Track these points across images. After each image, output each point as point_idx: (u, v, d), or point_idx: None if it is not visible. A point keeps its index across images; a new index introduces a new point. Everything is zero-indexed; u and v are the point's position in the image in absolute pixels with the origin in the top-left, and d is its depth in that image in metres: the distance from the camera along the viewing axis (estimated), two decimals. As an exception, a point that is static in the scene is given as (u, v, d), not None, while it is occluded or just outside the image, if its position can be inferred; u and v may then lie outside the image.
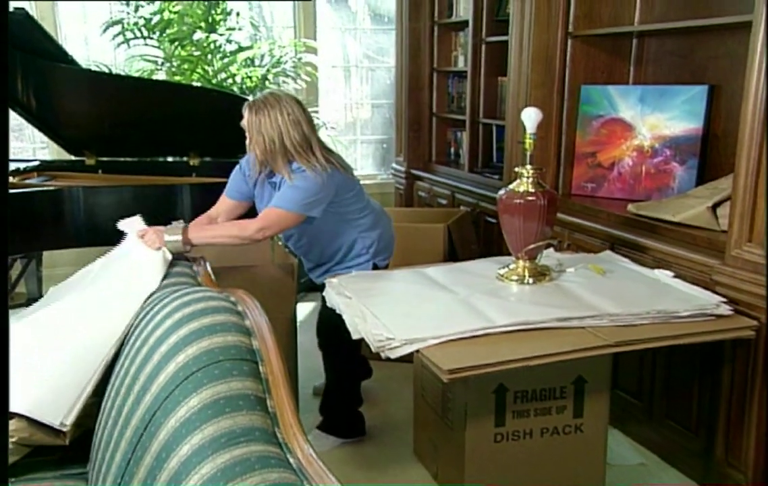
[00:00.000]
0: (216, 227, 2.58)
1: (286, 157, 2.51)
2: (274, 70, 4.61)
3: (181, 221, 2.46)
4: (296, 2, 5.28)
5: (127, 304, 1.75)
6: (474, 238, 3.98)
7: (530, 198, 2.31)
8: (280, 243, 3.59)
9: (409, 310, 2.13)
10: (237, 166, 2.79)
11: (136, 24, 4.35)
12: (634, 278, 2.41)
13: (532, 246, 2.34)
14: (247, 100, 2.64)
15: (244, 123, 2.57)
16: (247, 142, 2.58)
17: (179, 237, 2.35)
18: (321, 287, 2.65)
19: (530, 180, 2.33)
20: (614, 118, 3.20)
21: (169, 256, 2.12)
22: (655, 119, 3.07)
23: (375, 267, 2.74)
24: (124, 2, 4.39)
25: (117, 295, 1.82)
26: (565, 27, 3.25)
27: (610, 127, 3.22)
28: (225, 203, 2.75)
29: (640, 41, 3.27)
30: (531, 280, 2.37)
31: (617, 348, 1.94)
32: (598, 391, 2.30)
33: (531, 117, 2.31)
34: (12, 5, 3.85)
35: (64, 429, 1.59)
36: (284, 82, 4.74)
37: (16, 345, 1.68)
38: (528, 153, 2.33)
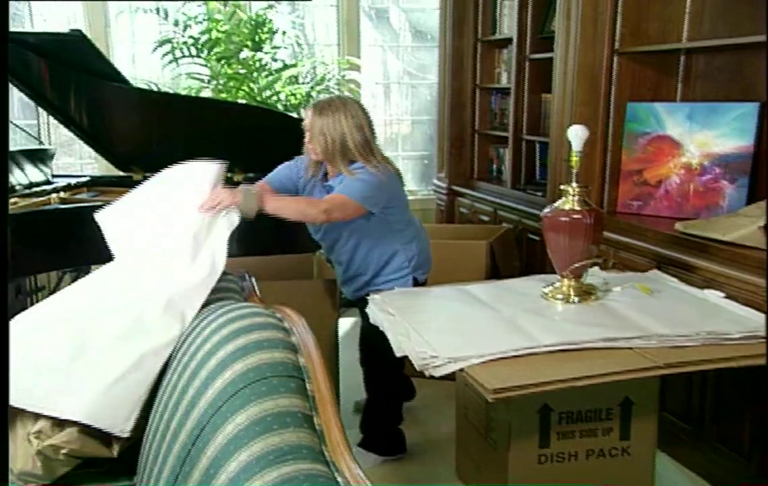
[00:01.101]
0: (285, 198, 2.61)
1: (346, 157, 2.58)
2: (318, 88, 4.65)
3: (253, 186, 2.51)
4: (340, 20, 5.33)
5: (180, 314, 1.76)
6: (516, 255, 3.95)
7: (576, 216, 2.28)
8: (322, 256, 3.61)
9: (453, 328, 2.11)
10: (292, 160, 2.80)
11: (185, 43, 4.44)
12: (683, 298, 2.36)
13: (577, 264, 2.31)
14: (291, 117, 2.70)
15: (306, 123, 2.63)
16: (307, 141, 2.63)
17: (254, 203, 2.40)
18: (360, 303, 2.65)
19: (576, 198, 2.30)
20: (661, 135, 3.15)
21: (236, 220, 2.12)
22: (704, 137, 3.01)
23: (415, 281, 2.75)
24: (173, 23, 4.50)
25: (173, 300, 1.82)
26: (611, 44, 3.21)
27: (656, 145, 3.16)
28: (263, 189, 2.68)
29: (688, 58, 3.21)
30: (576, 299, 2.33)
31: (667, 370, 1.90)
32: (646, 413, 2.24)
33: (578, 135, 2.28)
34: (68, 27, 3.95)
35: (124, 435, 1.60)
36: (328, 99, 4.77)
37: (71, 346, 1.70)
38: (574, 171, 2.30)
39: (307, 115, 2.63)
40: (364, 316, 2.49)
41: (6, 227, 1.51)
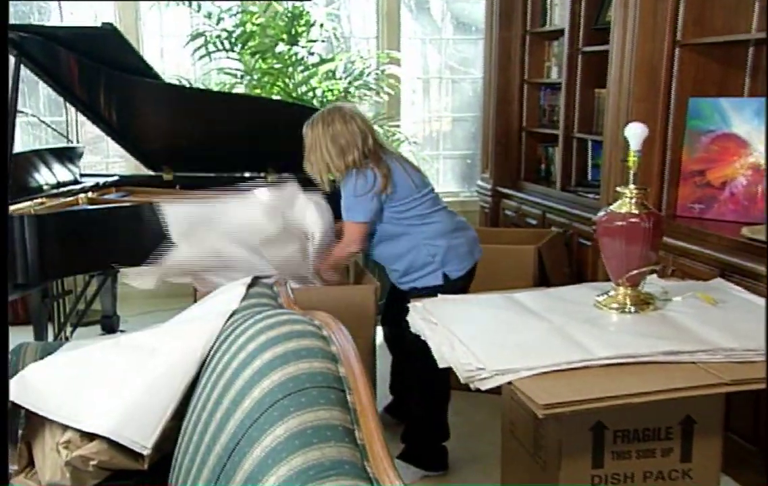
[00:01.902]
0: (329, 256, 2.96)
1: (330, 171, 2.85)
2: (356, 83, 4.67)
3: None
4: (380, 12, 5.35)
5: (209, 324, 1.79)
6: (566, 261, 3.91)
7: (633, 220, 2.25)
8: (360, 263, 3.62)
9: (500, 339, 2.10)
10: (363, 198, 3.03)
11: (218, 37, 4.50)
12: (750, 309, 2.31)
13: (634, 272, 2.28)
14: None
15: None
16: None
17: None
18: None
19: (633, 200, 2.27)
20: (726, 133, 3.09)
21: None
22: (774, 135, 2.95)
23: (446, 277, 2.83)
24: (206, 16, 4.56)
25: (199, 316, 1.86)
26: (672, 35, 3.17)
27: (721, 144, 3.11)
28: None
29: (757, 49, 3.14)
30: (633, 309, 2.30)
31: (733, 387, 1.86)
32: (709, 433, 2.20)
33: (636, 133, 2.25)
34: (100, 20, 4.03)
35: (145, 452, 1.63)
36: (366, 95, 4.80)
37: (100, 365, 1.75)
38: (632, 172, 2.27)
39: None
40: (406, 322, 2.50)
41: (6, 227, 1.54)
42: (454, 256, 2.88)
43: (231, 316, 1.81)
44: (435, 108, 5.79)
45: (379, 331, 4.33)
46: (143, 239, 3.33)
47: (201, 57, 4.54)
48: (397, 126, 5.26)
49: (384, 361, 3.40)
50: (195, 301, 2.68)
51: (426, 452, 2.89)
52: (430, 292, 2.76)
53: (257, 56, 4.50)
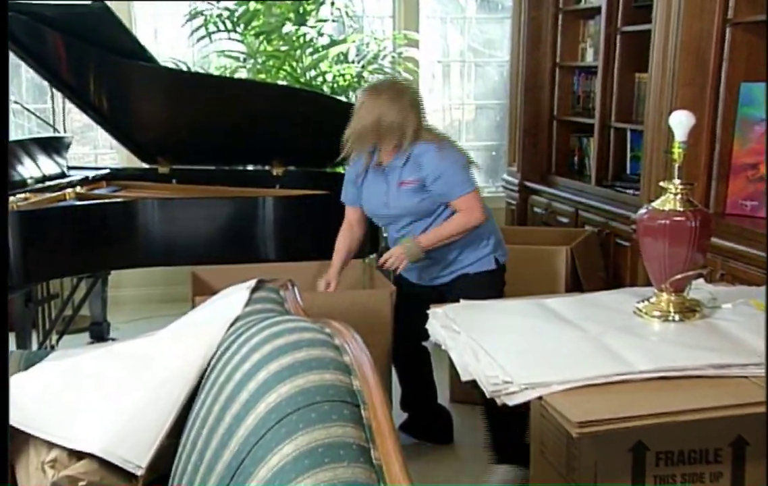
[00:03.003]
0: (441, 228, 2.97)
1: (412, 136, 2.92)
2: (369, 67, 4.68)
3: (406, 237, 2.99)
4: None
5: (209, 332, 1.79)
6: (602, 264, 3.91)
7: (678, 218, 2.24)
8: (370, 262, 3.63)
9: (530, 349, 2.10)
10: (345, 177, 3.21)
11: (219, 16, 4.52)
12: (809, 319, 2.29)
13: (679, 276, 2.27)
14: (340, 101, 2.85)
15: (358, 106, 2.98)
16: (363, 127, 2.92)
17: (417, 249, 2.95)
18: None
19: (678, 197, 2.26)
20: (782, 122, 3.08)
21: None
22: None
23: (497, 262, 3.02)
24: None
25: (197, 323, 1.87)
26: (723, 13, 3.16)
27: (777, 133, 3.09)
28: (354, 213, 3.19)
29: (816, 29, 3.12)
30: (677, 317, 2.28)
31: (790, 405, 1.84)
32: (764, 456, 2.18)
33: (682, 122, 2.24)
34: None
35: (139, 473, 1.64)
36: (382, 80, 4.79)
37: (89, 376, 1.75)
38: (676, 165, 2.26)
39: (362, 100, 2.99)
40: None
41: (6, 227, 1.56)
42: (500, 237, 3.10)
43: (233, 323, 1.82)
44: (457, 95, 5.79)
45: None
46: (137, 238, 3.36)
47: (200, 38, 4.56)
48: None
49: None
50: (193, 306, 2.69)
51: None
52: (483, 279, 2.96)
53: (262, 37, 4.52)
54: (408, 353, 3.21)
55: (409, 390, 3.29)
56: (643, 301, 2.38)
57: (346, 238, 3.20)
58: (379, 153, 3.00)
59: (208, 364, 1.72)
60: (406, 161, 2.94)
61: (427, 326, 2.47)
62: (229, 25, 4.54)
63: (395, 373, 3.27)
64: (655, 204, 2.31)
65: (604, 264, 3.92)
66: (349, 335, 1.54)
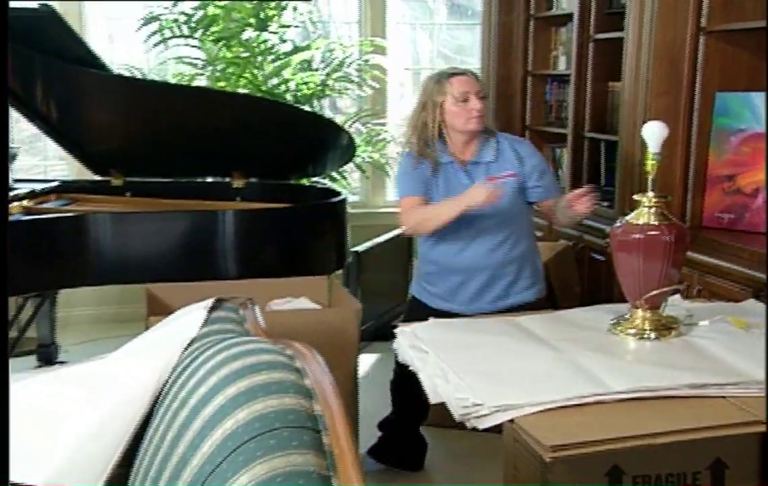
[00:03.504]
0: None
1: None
2: (335, 75, 4.68)
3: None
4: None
5: (163, 355, 1.77)
6: (577, 279, 3.93)
7: (653, 232, 2.26)
8: (337, 281, 3.62)
9: (501, 370, 2.10)
10: (402, 172, 3.06)
11: (175, 21, 4.49)
12: (788, 335, 2.32)
13: (654, 292, 2.29)
14: (303, 110, 2.82)
15: (470, 89, 2.95)
16: (479, 109, 2.91)
17: None
18: (388, 336, 2.67)
19: (653, 210, 2.28)
20: (759, 132, 3.14)
21: None
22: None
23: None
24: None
25: (151, 345, 1.85)
26: (696, 20, 3.21)
27: (753, 144, 3.15)
28: (416, 203, 2.98)
29: (792, 37, 3.18)
30: (653, 335, 2.31)
31: (769, 425, 1.86)
32: (743, 479, 2.20)
33: (655, 133, 2.27)
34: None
35: (89, 504, 1.61)
36: (347, 88, 4.81)
37: (35, 402, 1.72)
38: (650, 177, 2.29)
39: (465, 81, 2.95)
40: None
41: (6, 227, 1.55)
42: None
43: (189, 344, 1.80)
44: (427, 103, 5.80)
45: (363, 361, 4.34)
46: (88, 255, 3.31)
47: (155, 44, 4.53)
48: (383, 124, 5.27)
49: (368, 394, 3.40)
50: (147, 327, 2.66)
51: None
52: (533, 308, 2.87)
53: (221, 43, 4.50)
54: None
55: (403, 413, 3.22)
56: (618, 319, 2.40)
57: None
58: (452, 146, 2.98)
59: (162, 389, 1.69)
60: (497, 154, 2.96)
61: (394, 345, 2.46)
62: (186, 31, 4.52)
63: (390, 393, 3.24)
64: (629, 217, 2.33)
65: (580, 279, 3.94)
66: (311, 357, 1.53)
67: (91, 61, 3.49)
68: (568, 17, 4.25)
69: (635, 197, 2.34)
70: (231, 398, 1.34)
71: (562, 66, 4.49)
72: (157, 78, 4.68)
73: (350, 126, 4.88)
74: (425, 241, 3.03)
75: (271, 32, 4.56)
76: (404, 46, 5.72)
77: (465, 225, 2.88)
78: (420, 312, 2.89)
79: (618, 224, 2.37)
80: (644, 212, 2.30)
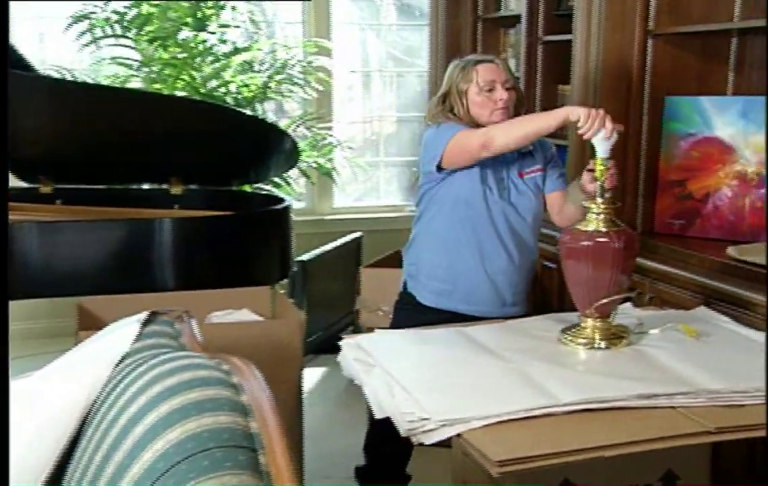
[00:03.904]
0: None
1: None
2: (277, 77, 4.66)
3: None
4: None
5: (93, 371, 1.74)
6: (528, 287, 3.95)
7: (602, 239, 2.30)
8: (281, 292, 3.60)
9: (449, 383, 2.11)
10: (442, 126, 2.80)
11: (107, 20, 4.43)
12: (739, 344, 2.37)
13: (604, 300, 2.32)
14: (244, 113, 2.75)
15: (496, 77, 2.77)
16: (504, 99, 2.76)
17: None
18: (336, 348, 2.64)
19: (602, 216, 2.32)
20: (709, 137, 3.19)
21: None
22: (762, 139, 3.05)
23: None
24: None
25: (80, 361, 1.81)
26: (644, 23, 3.26)
27: (703, 149, 3.20)
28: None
29: (741, 41, 3.26)
30: (603, 344, 2.34)
31: (719, 435, 1.90)
32: (693, 490, 2.25)
33: (602, 138, 2.30)
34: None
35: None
36: (290, 91, 4.79)
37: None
38: (599, 183, 2.32)
39: (492, 69, 2.77)
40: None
41: (6, 227, 1.53)
42: None
43: (121, 360, 1.77)
44: (377, 106, 5.82)
45: (309, 375, 4.32)
46: (14, 267, 3.24)
47: (86, 44, 4.46)
48: (329, 128, 5.26)
49: (314, 410, 3.38)
50: (77, 342, 2.61)
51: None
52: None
53: (156, 44, 4.45)
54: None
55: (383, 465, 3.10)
56: (568, 328, 2.43)
57: None
58: None
59: (91, 408, 1.66)
60: (542, 149, 2.87)
61: (339, 359, 2.45)
62: (119, 30, 4.45)
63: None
64: (578, 224, 2.36)
65: (531, 288, 3.96)
66: (249, 372, 1.52)
67: (17, 61, 3.42)
68: (517, 19, 4.29)
69: (584, 204, 2.37)
70: (163, 417, 1.32)
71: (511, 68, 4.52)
72: (89, 80, 4.60)
73: (294, 130, 4.86)
74: (444, 235, 2.82)
75: (209, 32, 4.52)
76: (354, 47, 5.73)
77: (497, 219, 2.77)
78: (415, 310, 2.86)
79: (566, 231, 2.40)
80: (593, 219, 2.33)
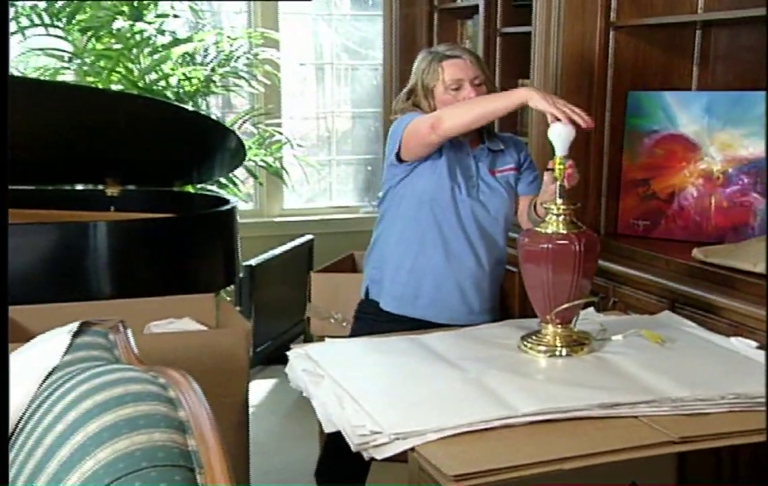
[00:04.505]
0: None
1: None
2: (221, 70, 4.64)
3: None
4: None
5: (19, 387, 1.71)
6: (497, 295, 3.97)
7: (561, 242, 2.31)
8: (226, 299, 3.57)
9: (402, 394, 2.11)
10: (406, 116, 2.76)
11: (33, 8, 4.37)
12: (704, 349, 2.40)
13: (565, 306, 2.34)
14: (185, 109, 2.72)
15: (459, 74, 2.68)
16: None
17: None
18: (284, 359, 2.62)
19: (561, 218, 2.33)
20: (673, 134, 3.23)
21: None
22: (728, 136, 3.10)
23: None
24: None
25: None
26: (605, 15, 3.30)
27: (667, 146, 3.25)
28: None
29: (705, 33, 3.31)
30: (564, 352, 2.35)
31: (683, 445, 1.92)
32: (658, 502, 2.27)
33: (561, 135, 2.32)
34: None
35: None
36: (236, 85, 4.77)
37: None
38: (558, 183, 2.33)
39: (458, 66, 2.69)
40: None
41: (6, 228, 1.62)
42: None
43: (49, 374, 1.75)
44: (330, 101, 5.80)
45: (257, 387, 4.30)
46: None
47: (12, 33, 4.39)
48: (278, 124, 5.25)
49: (262, 424, 3.37)
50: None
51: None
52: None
53: (89, 34, 4.40)
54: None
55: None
56: (528, 335, 2.44)
57: None
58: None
59: (15, 429, 1.64)
60: (504, 143, 2.81)
61: (287, 370, 2.44)
62: (47, 19, 4.39)
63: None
64: (537, 226, 2.38)
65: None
66: (188, 385, 1.50)
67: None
68: (474, 9, 4.31)
69: (543, 205, 2.39)
70: (93, 436, 1.30)
71: (469, 62, 4.54)
72: (16, 72, 4.53)
73: (240, 127, 4.84)
74: (408, 235, 2.76)
75: (146, 22, 4.48)
76: (304, 39, 5.71)
77: (465, 218, 2.71)
78: (377, 318, 2.80)
79: (525, 233, 2.41)
80: (553, 220, 2.34)
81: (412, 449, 1.89)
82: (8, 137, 1.84)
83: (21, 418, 1.65)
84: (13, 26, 4.35)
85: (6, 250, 1.64)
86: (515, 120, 4.17)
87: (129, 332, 2.08)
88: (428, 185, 2.68)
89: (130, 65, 4.43)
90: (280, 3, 5.38)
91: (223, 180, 4.68)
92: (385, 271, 2.81)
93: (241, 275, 4.17)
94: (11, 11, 4.35)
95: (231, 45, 4.81)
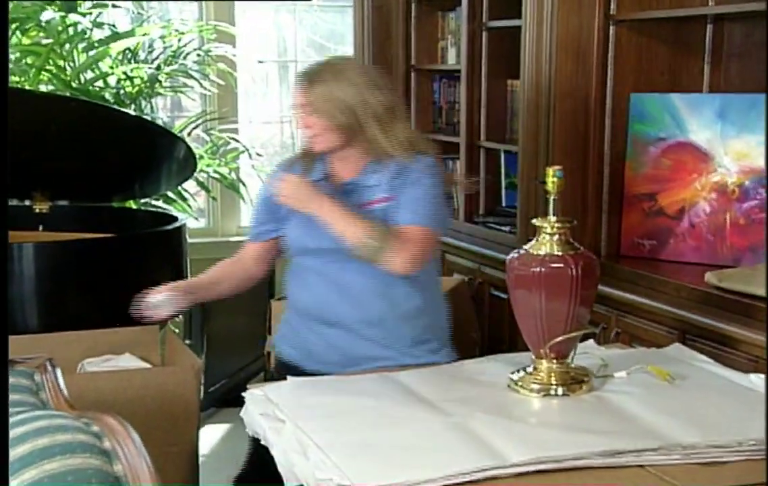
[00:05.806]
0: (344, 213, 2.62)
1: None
2: (168, 69, 4.63)
3: None
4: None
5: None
6: (474, 321, 3.97)
7: (556, 265, 2.30)
8: (173, 332, 3.54)
9: (374, 441, 2.10)
10: (258, 203, 2.92)
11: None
12: (718, 387, 2.40)
13: (560, 338, 2.33)
14: (126, 113, 2.71)
15: (297, 101, 2.70)
16: (304, 127, 2.69)
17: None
18: (241, 400, 2.61)
19: (555, 237, 2.33)
20: (681, 141, 3.24)
21: None
22: (744, 144, 3.12)
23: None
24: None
25: None
26: (605, 6, 3.31)
27: (675, 156, 3.26)
28: (254, 250, 2.89)
29: (717, 28, 3.33)
30: (560, 391, 2.35)
31: (695, 498, 1.93)
32: None
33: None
34: None
35: None
36: (185, 86, 4.76)
37: None
38: (552, 197, 2.33)
39: (295, 91, 2.72)
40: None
41: (6, 228, 1.67)
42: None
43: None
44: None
45: (209, 432, 4.27)
46: None
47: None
48: (234, 130, 5.24)
49: (217, 475, 3.35)
50: None
51: None
52: None
53: (14, 26, 4.38)
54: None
55: None
56: (519, 372, 2.43)
57: (234, 265, 2.90)
58: (332, 164, 2.76)
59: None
60: (389, 179, 2.68)
61: (242, 414, 2.43)
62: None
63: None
64: (528, 246, 2.36)
65: (478, 321, 3.98)
66: (125, 434, 1.49)
67: None
68: (457, 1, 4.32)
69: (535, 222, 2.38)
70: (12, 495, 1.29)
71: (451, 59, 4.55)
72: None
73: (190, 133, 4.83)
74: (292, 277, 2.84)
75: (81, 13, 4.46)
76: (264, 33, 5.71)
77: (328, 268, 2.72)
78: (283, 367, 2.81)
79: (515, 255, 2.39)
80: (546, 240, 2.33)
81: (387, 507, 1.88)
82: (8, 145, 1.85)
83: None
84: None
85: (6, 251, 1.64)
86: (504, 125, 4.17)
87: (58, 372, 2.06)
88: (292, 234, 2.79)
89: (61, 63, 4.41)
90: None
91: (170, 194, 4.67)
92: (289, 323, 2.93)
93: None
94: None
95: (180, 40, 4.80)
